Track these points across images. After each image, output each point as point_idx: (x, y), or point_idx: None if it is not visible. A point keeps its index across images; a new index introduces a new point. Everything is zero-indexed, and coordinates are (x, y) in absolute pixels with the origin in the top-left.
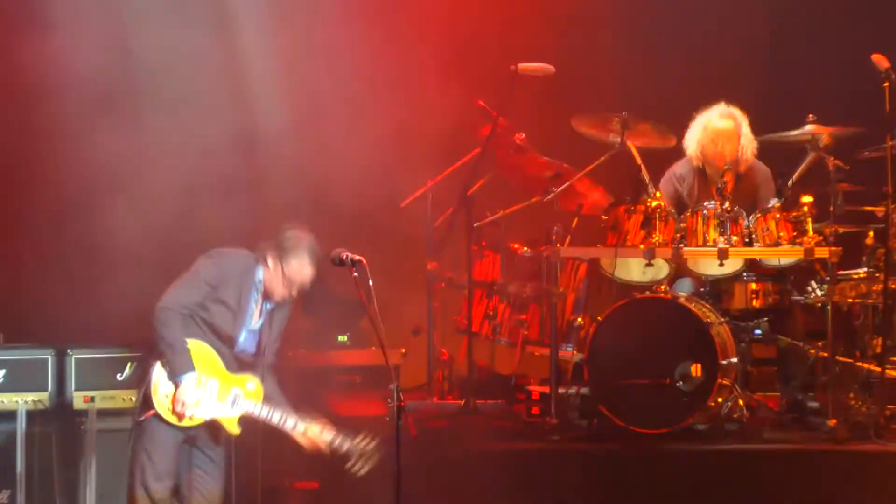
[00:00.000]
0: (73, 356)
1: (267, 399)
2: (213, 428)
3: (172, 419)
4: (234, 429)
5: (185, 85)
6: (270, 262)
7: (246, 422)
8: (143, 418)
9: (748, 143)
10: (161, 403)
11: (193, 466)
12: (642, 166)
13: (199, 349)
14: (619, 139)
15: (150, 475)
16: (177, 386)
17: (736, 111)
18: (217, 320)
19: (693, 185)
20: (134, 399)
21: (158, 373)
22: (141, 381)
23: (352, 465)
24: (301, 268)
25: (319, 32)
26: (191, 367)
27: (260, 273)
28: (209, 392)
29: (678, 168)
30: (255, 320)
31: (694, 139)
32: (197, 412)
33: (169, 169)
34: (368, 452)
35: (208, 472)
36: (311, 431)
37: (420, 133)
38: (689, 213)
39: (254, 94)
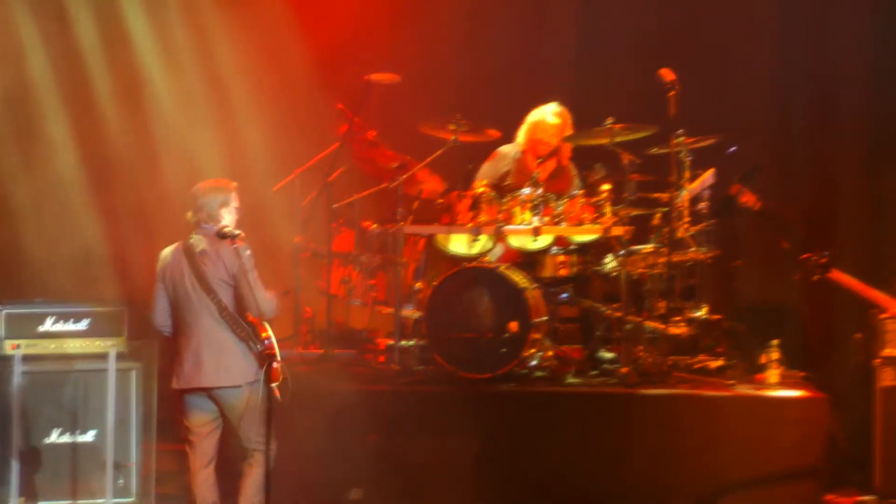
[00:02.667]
0: (3, 311)
1: None
2: None
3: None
4: None
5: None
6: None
7: None
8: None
9: (567, 143)
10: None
11: None
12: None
13: None
14: (452, 137)
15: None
16: None
17: (566, 113)
18: None
19: (512, 169)
20: (53, 347)
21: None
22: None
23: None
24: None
25: (207, 41)
26: None
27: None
28: None
29: (504, 151)
30: None
31: (525, 129)
32: None
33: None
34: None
35: None
36: None
37: (292, 129)
38: (509, 198)
39: (147, 94)
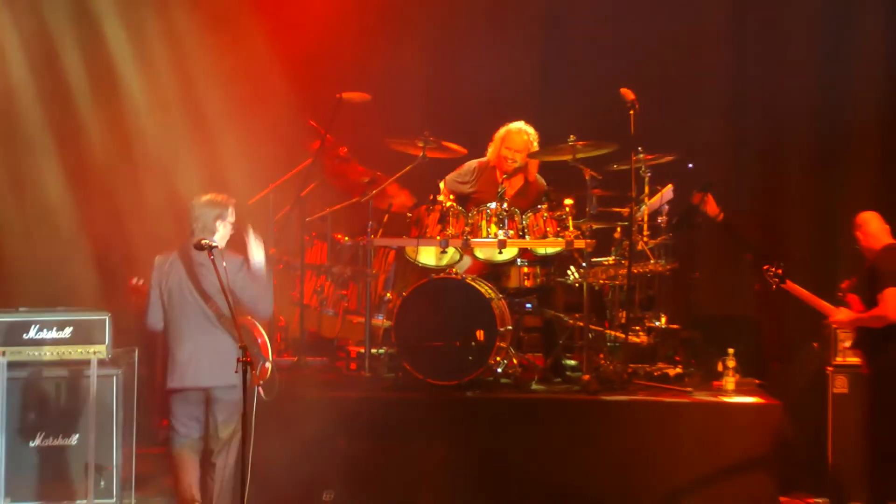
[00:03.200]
0: None
1: None
2: None
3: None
4: None
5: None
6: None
7: None
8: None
9: (533, 160)
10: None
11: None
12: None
13: None
14: (421, 153)
15: None
16: None
17: (532, 132)
18: None
19: (478, 182)
20: (38, 354)
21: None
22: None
23: None
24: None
25: (187, 65)
26: None
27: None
28: None
29: (471, 164)
30: None
31: (493, 145)
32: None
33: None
34: None
35: None
36: None
37: (266, 145)
38: (475, 212)
39: (129, 113)
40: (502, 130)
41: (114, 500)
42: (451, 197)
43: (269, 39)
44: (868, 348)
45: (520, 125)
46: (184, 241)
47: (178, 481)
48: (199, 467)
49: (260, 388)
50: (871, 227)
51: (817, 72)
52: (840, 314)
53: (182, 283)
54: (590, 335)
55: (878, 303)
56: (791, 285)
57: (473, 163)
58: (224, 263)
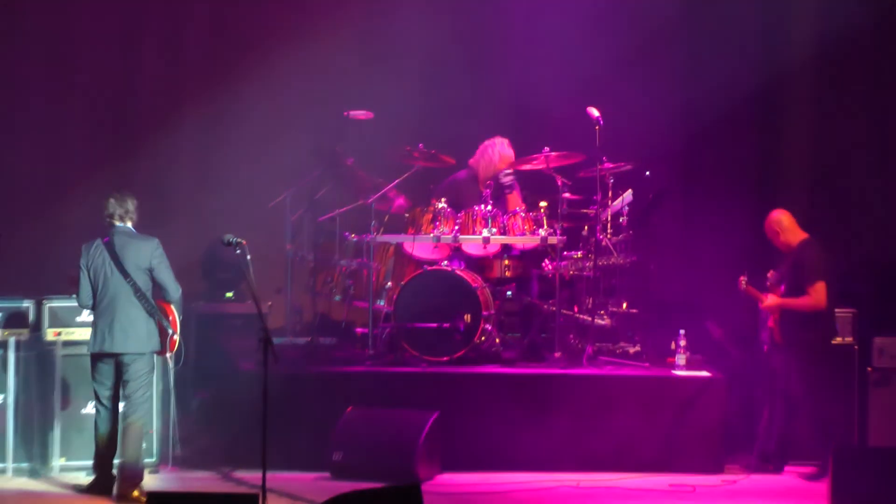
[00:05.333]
0: (46, 304)
1: None
2: None
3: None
4: None
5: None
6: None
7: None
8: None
9: (512, 171)
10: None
11: None
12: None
13: None
14: (415, 164)
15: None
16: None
17: (510, 147)
18: None
19: (465, 188)
20: (89, 334)
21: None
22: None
23: None
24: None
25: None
26: None
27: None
28: None
29: (459, 176)
30: None
31: (482, 159)
32: None
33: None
34: None
35: None
36: None
37: (284, 156)
38: (464, 213)
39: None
40: (486, 145)
41: (154, 458)
42: (443, 200)
43: (283, 69)
44: (793, 327)
45: (501, 141)
46: (105, 228)
47: (97, 444)
48: (114, 423)
49: (169, 357)
50: (785, 223)
51: (759, 94)
52: (770, 300)
53: (106, 263)
54: (561, 318)
55: (806, 292)
56: (750, 289)
57: (462, 173)
58: (142, 243)
